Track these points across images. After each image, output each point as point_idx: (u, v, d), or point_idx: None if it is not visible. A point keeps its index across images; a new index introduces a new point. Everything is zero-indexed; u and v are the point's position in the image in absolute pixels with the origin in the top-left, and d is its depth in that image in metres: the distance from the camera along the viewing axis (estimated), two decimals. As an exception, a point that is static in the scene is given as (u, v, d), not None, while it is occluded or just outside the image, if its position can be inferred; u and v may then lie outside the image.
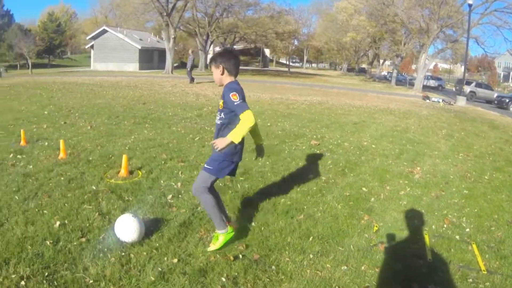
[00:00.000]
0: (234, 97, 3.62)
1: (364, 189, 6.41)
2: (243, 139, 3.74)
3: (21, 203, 5.12)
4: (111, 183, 5.97)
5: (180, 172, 6.59)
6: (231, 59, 3.83)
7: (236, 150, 3.87)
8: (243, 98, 3.69)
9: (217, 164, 3.86)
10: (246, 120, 3.58)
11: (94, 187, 5.75)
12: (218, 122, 3.88)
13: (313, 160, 7.85)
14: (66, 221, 4.61)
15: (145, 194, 5.58)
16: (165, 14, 39.67)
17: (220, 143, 3.71)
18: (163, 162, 7.10)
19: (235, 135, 3.64)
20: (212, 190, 4.01)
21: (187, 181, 6.16)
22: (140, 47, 51.13)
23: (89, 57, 60.97)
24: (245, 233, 4.49)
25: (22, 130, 8.47)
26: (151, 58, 54.42)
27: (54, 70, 52.39)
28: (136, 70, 48.40)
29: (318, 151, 8.60)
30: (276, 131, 10.35)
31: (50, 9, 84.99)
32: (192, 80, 26.03)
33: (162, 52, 50.13)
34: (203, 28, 46.13)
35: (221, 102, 3.83)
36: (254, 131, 4.14)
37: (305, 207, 5.36)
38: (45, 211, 4.88)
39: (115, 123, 10.78)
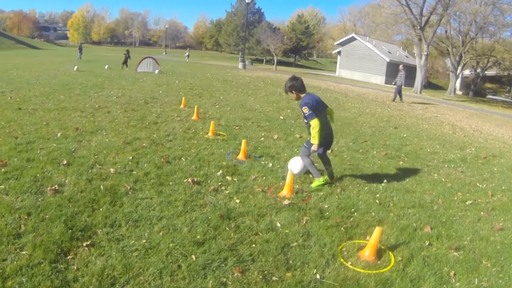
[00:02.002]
0: (305, 110, 5.31)
1: None
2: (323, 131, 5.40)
3: (212, 272, 3.34)
4: (347, 269, 3.67)
5: (453, 274, 3.81)
6: (294, 83, 5.58)
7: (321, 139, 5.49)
8: (312, 107, 5.32)
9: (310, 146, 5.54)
10: (314, 127, 5.28)
11: (318, 275, 3.51)
12: (305, 123, 5.59)
13: None
14: None
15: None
16: (418, 27, 36.28)
17: (314, 148, 5.41)
18: (427, 241, 4.40)
19: (313, 139, 5.35)
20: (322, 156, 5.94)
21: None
22: (388, 60, 48.76)
23: (335, 62, 62.11)
24: None
25: (244, 140, 6.90)
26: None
27: (298, 70, 54.43)
28: (382, 83, 46.34)
29: None
30: None
31: (300, 11, 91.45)
32: (400, 99, 23.31)
33: (409, 69, 46.58)
34: (455, 47, 41.11)
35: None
36: (331, 117, 5.95)
37: None
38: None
39: (361, 150, 8.62)
